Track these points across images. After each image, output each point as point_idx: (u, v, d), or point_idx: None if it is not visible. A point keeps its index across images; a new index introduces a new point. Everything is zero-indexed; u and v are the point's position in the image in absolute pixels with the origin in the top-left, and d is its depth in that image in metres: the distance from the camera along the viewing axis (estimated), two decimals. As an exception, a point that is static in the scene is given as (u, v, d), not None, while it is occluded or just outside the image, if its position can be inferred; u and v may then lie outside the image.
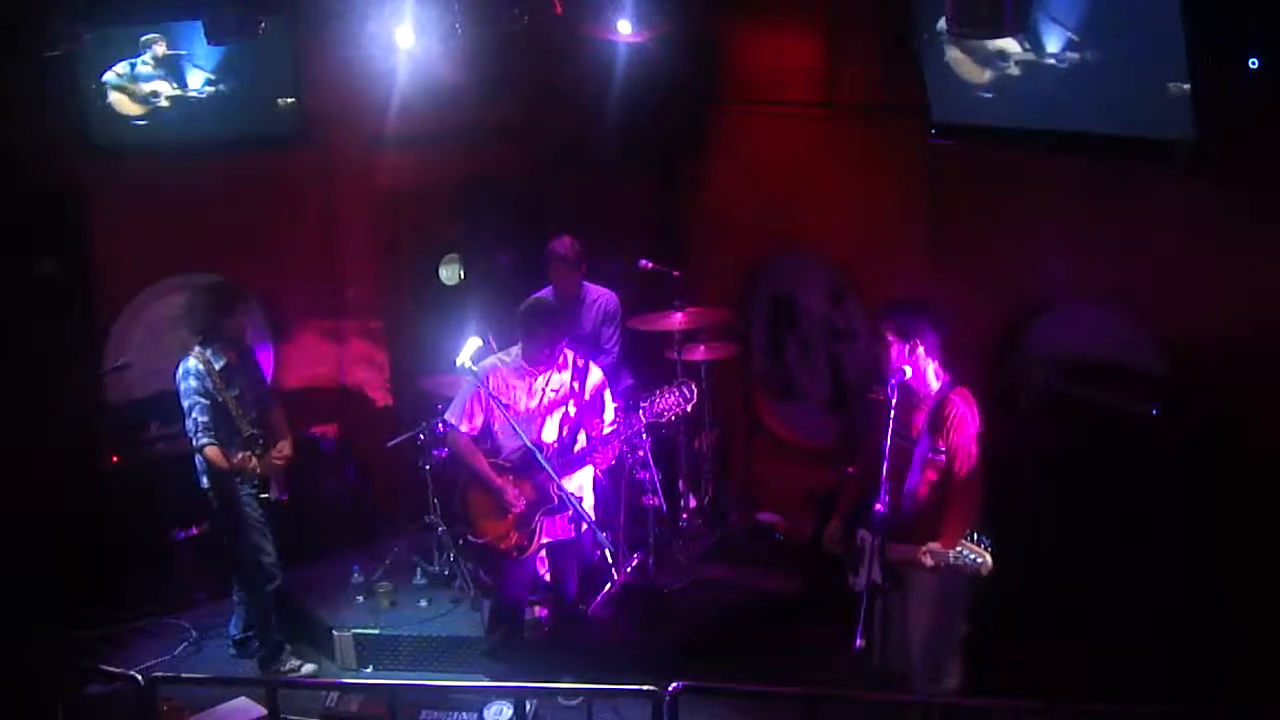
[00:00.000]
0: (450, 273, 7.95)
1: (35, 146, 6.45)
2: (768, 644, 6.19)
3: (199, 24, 6.08)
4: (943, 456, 4.98)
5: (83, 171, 6.71)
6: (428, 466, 6.86)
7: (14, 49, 5.80)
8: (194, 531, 6.91)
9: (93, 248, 6.90)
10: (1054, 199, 5.81)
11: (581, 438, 5.82)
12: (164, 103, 6.82)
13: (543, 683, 5.93)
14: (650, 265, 7.13)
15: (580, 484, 5.87)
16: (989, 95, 5.62)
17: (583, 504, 5.58)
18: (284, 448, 6.19)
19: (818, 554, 5.56)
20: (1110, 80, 5.06)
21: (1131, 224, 5.49)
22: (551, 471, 5.51)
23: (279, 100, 7.01)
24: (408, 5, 6.68)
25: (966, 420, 4.97)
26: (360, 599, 6.82)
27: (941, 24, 5.57)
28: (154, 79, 6.78)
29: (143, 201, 6.85)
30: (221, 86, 6.85)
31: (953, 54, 5.70)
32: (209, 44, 6.29)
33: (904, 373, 5.04)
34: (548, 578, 6.21)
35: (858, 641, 4.87)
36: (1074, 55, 5.11)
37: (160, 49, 6.71)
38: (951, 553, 4.75)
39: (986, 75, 5.60)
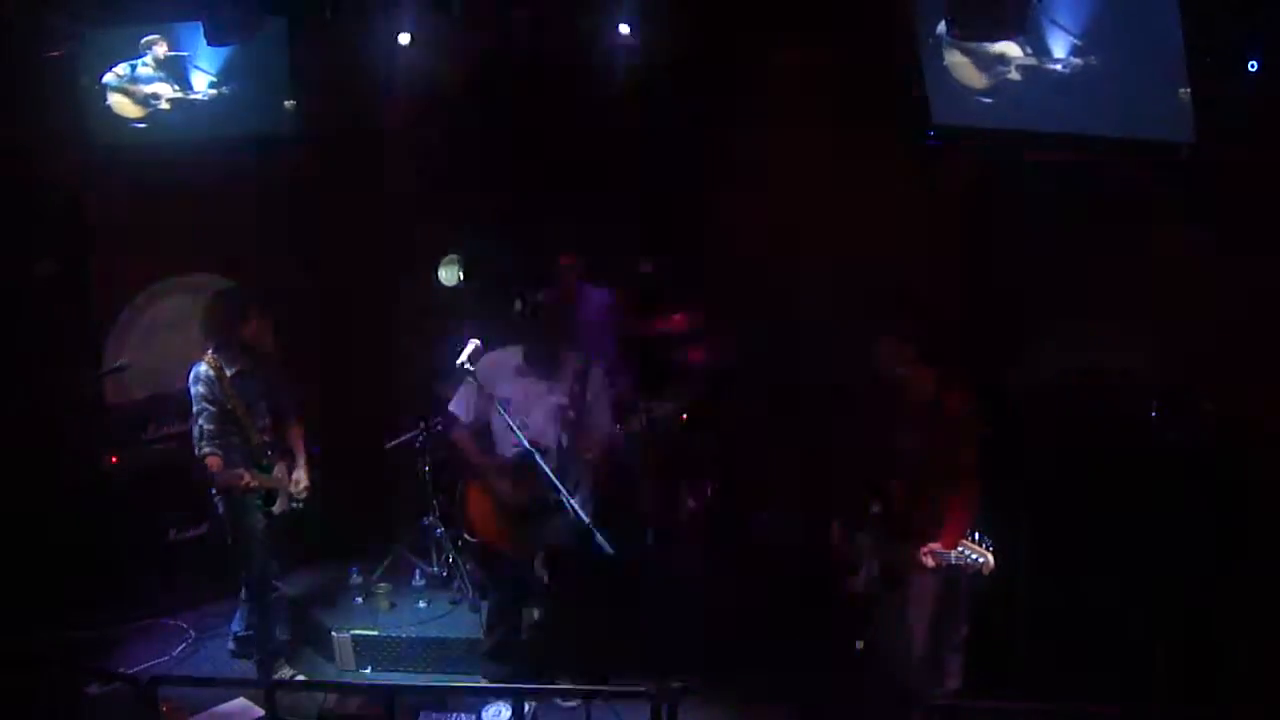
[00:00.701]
0: (450, 274, 7.94)
1: (35, 146, 6.44)
2: (767, 645, 6.18)
3: (199, 25, 6.08)
4: (941, 457, 4.98)
5: (82, 172, 6.70)
6: (426, 468, 6.86)
7: (13, 48, 5.81)
8: (191, 533, 6.91)
9: (92, 248, 6.89)
10: (1054, 200, 5.81)
11: (581, 439, 5.82)
12: (164, 105, 6.74)
13: (541, 684, 5.94)
14: (650, 269, 7.14)
15: (579, 485, 5.86)
16: (989, 100, 5.62)
17: (581, 506, 5.57)
18: (300, 478, 6.12)
19: (818, 555, 5.56)
20: (1110, 83, 5.07)
21: (1131, 225, 5.49)
22: (549, 473, 5.50)
23: (278, 101, 6.97)
24: (407, 5, 6.72)
25: (964, 421, 4.98)
26: (359, 600, 6.82)
27: (941, 27, 5.58)
28: (154, 81, 6.70)
29: (142, 202, 6.84)
30: (223, 89, 6.80)
31: (952, 58, 5.70)
32: (208, 44, 6.27)
33: (902, 374, 5.05)
34: (546, 579, 6.21)
35: (858, 643, 4.88)
36: (1075, 59, 5.11)
37: (161, 50, 6.62)
38: (953, 553, 4.75)
39: (986, 80, 5.60)
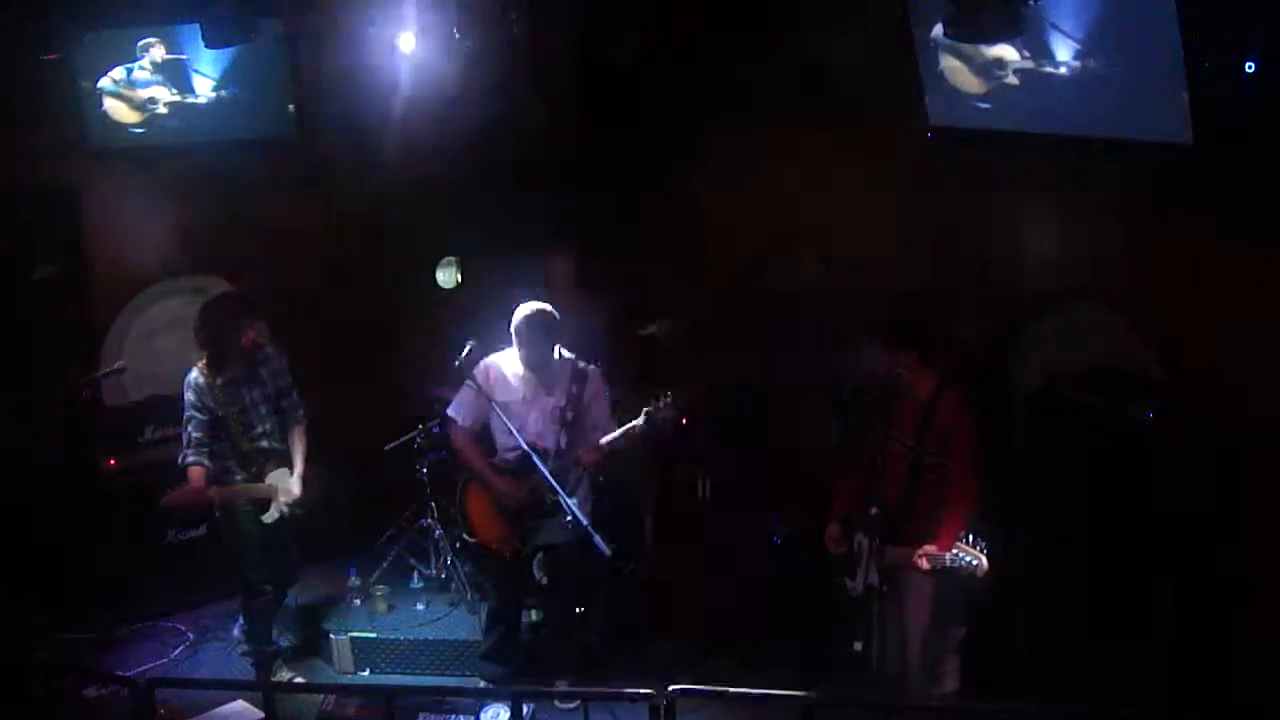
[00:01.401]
0: (448, 276, 7.96)
1: (32, 149, 6.44)
2: (765, 647, 6.18)
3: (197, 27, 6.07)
4: (937, 459, 4.99)
5: (79, 174, 6.70)
6: (425, 470, 6.86)
7: (10, 51, 5.81)
8: (189, 535, 6.91)
9: (89, 250, 6.89)
10: (1053, 201, 5.81)
11: (579, 441, 5.81)
12: (162, 109, 6.69)
13: (540, 686, 5.94)
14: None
15: (577, 487, 5.86)
16: (986, 106, 5.62)
17: (579, 507, 5.57)
18: (291, 488, 6.00)
19: (816, 557, 5.56)
20: (1108, 85, 5.06)
21: (1131, 226, 5.49)
22: (547, 474, 5.51)
23: (277, 104, 6.95)
24: (408, 8, 6.72)
25: (961, 422, 4.99)
26: (357, 602, 6.82)
27: (936, 30, 5.58)
28: (152, 84, 6.64)
29: (140, 204, 6.84)
30: (223, 92, 6.76)
31: (948, 62, 5.70)
32: (206, 47, 6.24)
33: (899, 376, 5.05)
34: (544, 581, 6.21)
35: (856, 644, 4.88)
36: (1075, 62, 5.11)
37: (159, 53, 6.57)
38: (947, 555, 4.76)
39: (983, 85, 5.60)
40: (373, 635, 6.50)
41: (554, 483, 5.48)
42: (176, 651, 6.66)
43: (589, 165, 7.74)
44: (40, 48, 5.94)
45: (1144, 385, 5.37)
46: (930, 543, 4.83)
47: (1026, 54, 5.29)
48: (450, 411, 5.89)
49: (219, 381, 5.86)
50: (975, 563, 4.71)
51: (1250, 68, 4.56)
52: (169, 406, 6.41)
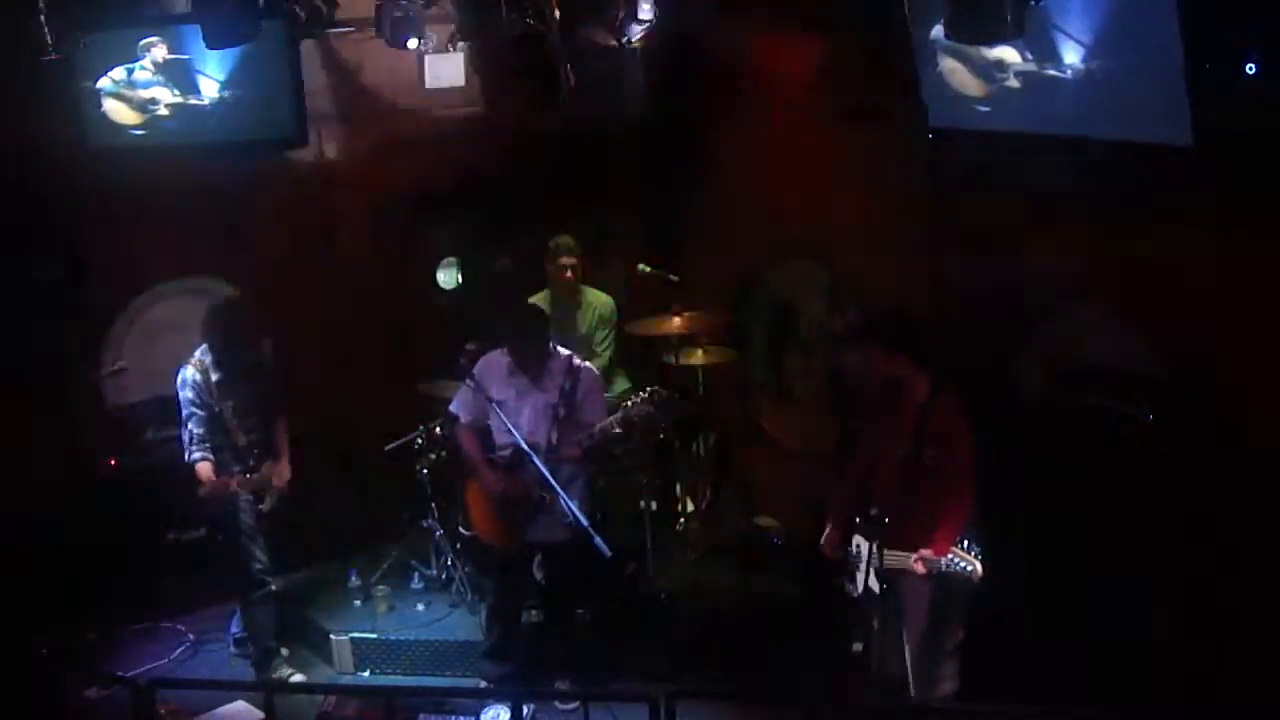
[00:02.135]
0: (448, 276, 7.96)
1: (33, 149, 6.44)
2: (765, 649, 6.18)
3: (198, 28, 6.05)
4: (934, 462, 4.98)
5: (80, 174, 6.70)
6: (425, 470, 6.86)
7: (9, 52, 5.80)
8: (190, 536, 6.91)
9: (90, 251, 6.89)
10: (1053, 202, 5.81)
11: (569, 438, 5.82)
12: (163, 110, 6.66)
13: (540, 686, 5.94)
14: (648, 270, 7.15)
15: (574, 484, 5.86)
16: (986, 108, 5.62)
17: (576, 505, 5.58)
18: (283, 471, 6.20)
19: (815, 560, 5.56)
20: (1109, 87, 5.06)
21: (1130, 227, 5.49)
22: (543, 471, 5.53)
23: (278, 104, 6.94)
24: (410, 9, 6.72)
25: (957, 425, 4.98)
26: (358, 603, 6.82)
27: (936, 31, 5.57)
28: (153, 85, 6.60)
29: (140, 205, 6.83)
30: (225, 93, 6.73)
31: (946, 63, 5.70)
32: (207, 48, 6.21)
33: (896, 378, 5.05)
34: (543, 581, 6.21)
35: (855, 645, 4.88)
36: (1077, 64, 5.11)
37: (160, 53, 6.54)
38: (943, 560, 4.78)
39: (983, 87, 5.60)
40: (373, 636, 6.50)
41: (549, 479, 5.51)
42: (177, 652, 6.67)
43: (589, 165, 7.75)
44: (40, 48, 5.91)
45: (1144, 385, 5.36)
46: (926, 547, 4.83)
47: (1029, 56, 5.29)
48: (453, 408, 6.03)
49: (215, 378, 5.97)
50: (970, 569, 4.72)
51: (1250, 69, 4.56)
52: (171, 407, 6.39)
